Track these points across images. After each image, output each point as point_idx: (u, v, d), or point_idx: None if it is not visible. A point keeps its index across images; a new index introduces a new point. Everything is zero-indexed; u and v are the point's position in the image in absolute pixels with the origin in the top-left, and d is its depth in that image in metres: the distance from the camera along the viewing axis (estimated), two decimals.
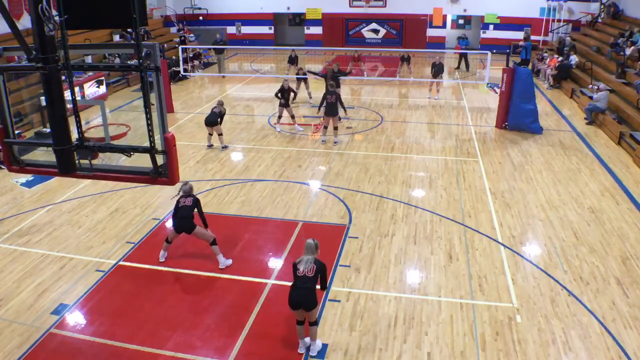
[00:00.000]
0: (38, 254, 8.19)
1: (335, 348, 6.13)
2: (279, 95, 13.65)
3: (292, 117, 14.09)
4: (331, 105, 12.44)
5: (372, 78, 20.90)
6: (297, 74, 16.89)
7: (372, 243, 8.40)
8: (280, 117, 14.07)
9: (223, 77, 21.56)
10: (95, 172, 4.71)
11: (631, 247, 8.22)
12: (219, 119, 12.53)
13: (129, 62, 15.52)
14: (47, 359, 6.04)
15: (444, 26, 27.08)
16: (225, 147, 12.80)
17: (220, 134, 12.74)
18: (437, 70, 17.08)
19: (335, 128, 12.87)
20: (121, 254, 8.17)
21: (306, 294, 5.68)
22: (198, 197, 7.77)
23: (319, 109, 12.56)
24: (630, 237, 8.52)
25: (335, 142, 12.95)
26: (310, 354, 6.04)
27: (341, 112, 14.81)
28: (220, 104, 12.72)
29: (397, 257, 8.01)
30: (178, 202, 7.65)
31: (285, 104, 13.68)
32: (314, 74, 15.86)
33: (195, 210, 7.62)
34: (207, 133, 12.89)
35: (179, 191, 7.65)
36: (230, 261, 7.83)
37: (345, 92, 15.94)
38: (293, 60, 19.57)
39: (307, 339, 6.06)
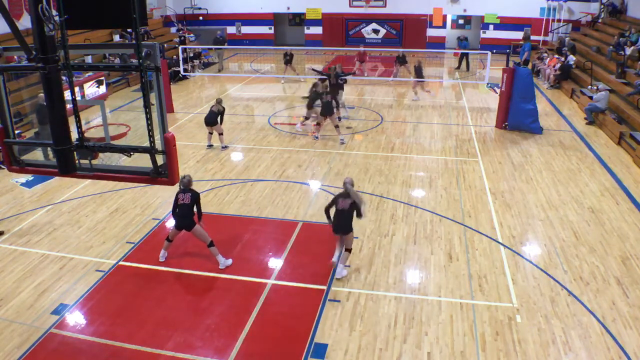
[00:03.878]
0: (38, 254, 8.19)
1: (335, 348, 6.13)
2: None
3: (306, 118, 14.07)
4: (327, 104, 12.61)
5: (372, 78, 20.89)
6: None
7: (372, 243, 8.40)
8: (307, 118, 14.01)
9: (219, 70, 22.30)
10: (95, 172, 4.71)
11: (631, 247, 8.22)
12: (218, 118, 12.49)
13: (130, 61, 15.51)
14: (47, 359, 6.04)
15: (444, 26, 27.08)
16: (225, 147, 12.79)
17: (220, 134, 12.72)
18: (417, 71, 17.05)
19: (337, 127, 12.91)
20: (121, 254, 8.17)
21: (345, 222, 7.25)
22: (198, 193, 7.67)
23: (309, 105, 13.01)
24: (630, 237, 8.52)
25: (341, 142, 12.99)
26: (336, 276, 7.39)
27: (342, 112, 14.91)
28: (219, 102, 12.65)
29: (397, 257, 8.01)
30: (177, 197, 7.56)
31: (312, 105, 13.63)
32: (317, 72, 15.89)
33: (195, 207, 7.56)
34: (207, 132, 12.88)
35: (179, 184, 7.56)
36: (230, 261, 7.83)
37: (345, 91, 15.93)
38: (288, 60, 19.67)
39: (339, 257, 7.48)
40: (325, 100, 12.65)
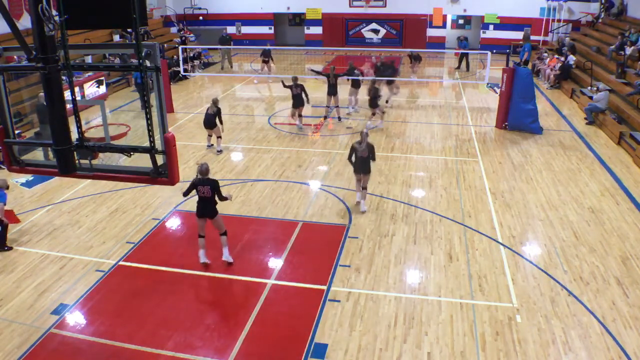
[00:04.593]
0: (38, 254, 8.19)
1: (335, 348, 6.13)
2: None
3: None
4: (296, 97, 13.64)
5: (377, 79, 20.83)
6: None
7: (372, 243, 8.40)
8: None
9: (222, 68, 22.87)
10: (95, 172, 4.72)
11: (631, 247, 8.22)
12: (216, 119, 12.24)
13: (129, 61, 15.50)
14: (47, 359, 6.05)
15: (444, 26, 27.08)
16: (220, 152, 12.51)
17: (218, 137, 12.47)
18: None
19: (300, 115, 14.04)
20: (121, 254, 8.17)
21: (364, 165, 9.17)
22: (216, 181, 7.48)
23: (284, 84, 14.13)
24: (630, 237, 8.52)
25: (300, 128, 14.19)
26: (361, 210, 9.32)
27: (343, 111, 15.08)
28: (215, 102, 12.30)
29: (397, 257, 8.01)
30: (196, 188, 7.41)
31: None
32: (317, 72, 15.92)
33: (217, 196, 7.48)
34: (207, 135, 12.76)
35: (197, 173, 7.46)
36: (231, 258, 7.82)
37: (344, 91, 15.95)
38: (267, 58, 19.93)
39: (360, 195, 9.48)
40: (294, 93, 13.57)
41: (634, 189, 10.34)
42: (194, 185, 7.43)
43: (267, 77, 20.57)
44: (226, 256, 7.78)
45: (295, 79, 13.88)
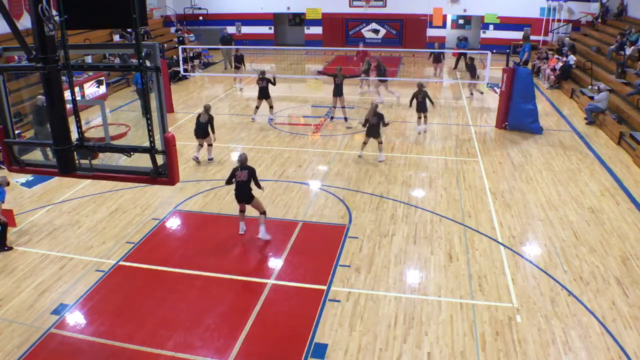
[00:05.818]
0: (38, 254, 8.19)
1: (335, 348, 6.13)
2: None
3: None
4: (262, 89, 14.51)
5: (374, 78, 20.84)
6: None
7: (372, 243, 8.40)
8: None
9: (225, 68, 23.05)
10: (95, 172, 4.72)
11: (631, 247, 8.22)
12: (208, 127, 11.38)
13: (129, 61, 15.48)
14: (47, 359, 6.05)
15: (444, 26, 27.07)
16: (211, 159, 11.86)
17: (210, 145, 11.76)
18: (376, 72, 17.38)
19: (271, 107, 14.88)
20: (121, 254, 8.17)
21: (374, 130, 11.41)
22: (254, 169, 8.25)
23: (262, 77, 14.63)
24: (630, 237, 8.52)
25: (270, 119, 14.94)
26: (379, 159, 11.48)
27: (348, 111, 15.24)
28: (207, 109, 11.51)
29: (397, 257, 8.01)
30: (235, 173, 8.11)
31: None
32: (324, 74, 16.02)
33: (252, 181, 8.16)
34: (197, 144, 11.69)
35: (237, 161, 8.19)
36: (267, 236, 8.32)
37: (345, 91, 15.93)
38: (240, 61, 19.89)
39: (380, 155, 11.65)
40: (261, 86, 14.42)
41: (634, 189, 10.34)
42: (233, 172, 8.16)
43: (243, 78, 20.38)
44: (262, 234, 8.32)
45: (262, 72, 14.63)
